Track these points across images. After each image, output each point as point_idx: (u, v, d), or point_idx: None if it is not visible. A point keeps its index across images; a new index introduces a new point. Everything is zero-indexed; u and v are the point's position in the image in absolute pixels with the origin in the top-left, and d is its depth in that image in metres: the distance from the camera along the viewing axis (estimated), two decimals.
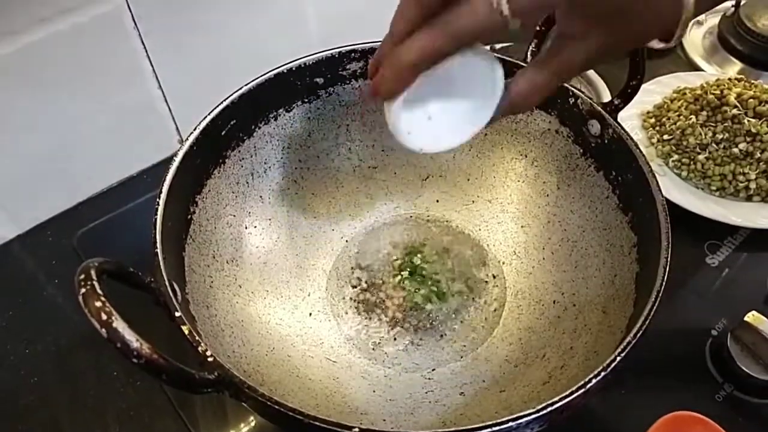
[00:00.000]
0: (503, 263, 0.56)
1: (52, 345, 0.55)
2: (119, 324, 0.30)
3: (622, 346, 0.36)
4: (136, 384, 0.52)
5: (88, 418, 0.51)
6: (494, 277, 0.55)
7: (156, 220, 0.41)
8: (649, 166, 0.45)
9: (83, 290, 0.31)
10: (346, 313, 0.53)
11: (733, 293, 0.58)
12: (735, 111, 0.62)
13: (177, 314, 0.37)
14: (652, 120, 0.68)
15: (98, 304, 0.30)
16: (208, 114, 0.48)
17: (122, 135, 0.64)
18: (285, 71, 0.51)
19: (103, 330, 0.30)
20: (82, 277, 0.31)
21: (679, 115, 0.66)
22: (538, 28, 0.52)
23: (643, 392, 0.51)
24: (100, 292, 0.31)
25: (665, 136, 0.66)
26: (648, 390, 0.51)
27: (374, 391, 0.48)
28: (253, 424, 0.50)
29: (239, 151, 0.52)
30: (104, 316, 0.30)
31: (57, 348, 0.55)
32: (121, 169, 0.67)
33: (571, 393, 0.34)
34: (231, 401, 0.37)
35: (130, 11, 0.56)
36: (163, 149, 0.67)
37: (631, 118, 0.69)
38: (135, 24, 0.57)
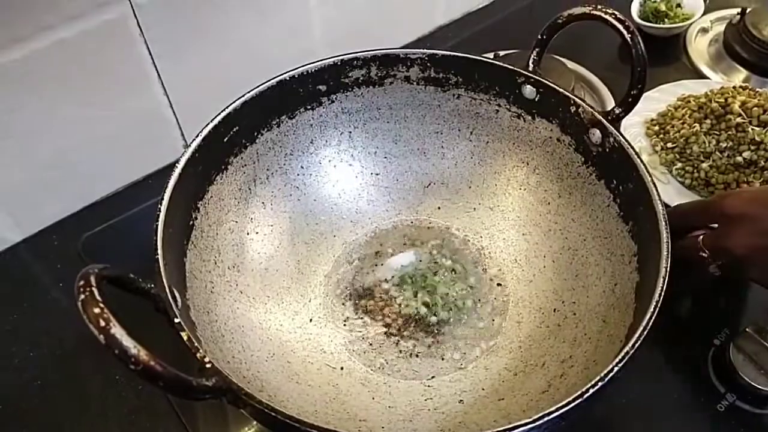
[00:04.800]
0: (504, 271, 0.56)
1: (56, 348, 0.56)
2: (117, 330, 0.30)
3: (620, 356, 0.36)
4: (138, 388, 0.53)
5: (91, 422, 0.52)
6: (495, 284, 0.55)
7: (157, 226, 0.42)
8: (650, 175, 0.45)
9: (82, 296, 0.31)
10: (347, 319, 0.53)
11: (736, 303, 0.57)
12: (739, 119, 0.62)
13: (176, 320, 0.37)
14: (656, 128, 0.68)
15: (97, 310, 0.31)
16: (211, 121, 0.48)
17: (128, 141, 0.64)
18: (288, 78, 0.52)
19: (102, 336, 0.30)
20: (82, 283, 0.32)
21: (683, 123, 0.66)
22: (539, 37, 0.52)
23: (645, 401, 0.51)
24: (99, 298, 0.31)
25: (669, 144, 0.66)
26: (650, 399, 0.51)
27: (373, 398, 0.48)
28: (254, 430, 0.50)
29: (242, 158, 0.52)
30: (102, 323, 0.30)
31: (61, 351, 0.56)
32: (127, 175, 0.68)
33: (568, 403, 0.34)
34: (232, 407, 0.37)
35: (136, 18, 0.56)
36: (169, 155, 0.68)
37: (634, 126, 0.69)
38: (141, 31, 0.57)
